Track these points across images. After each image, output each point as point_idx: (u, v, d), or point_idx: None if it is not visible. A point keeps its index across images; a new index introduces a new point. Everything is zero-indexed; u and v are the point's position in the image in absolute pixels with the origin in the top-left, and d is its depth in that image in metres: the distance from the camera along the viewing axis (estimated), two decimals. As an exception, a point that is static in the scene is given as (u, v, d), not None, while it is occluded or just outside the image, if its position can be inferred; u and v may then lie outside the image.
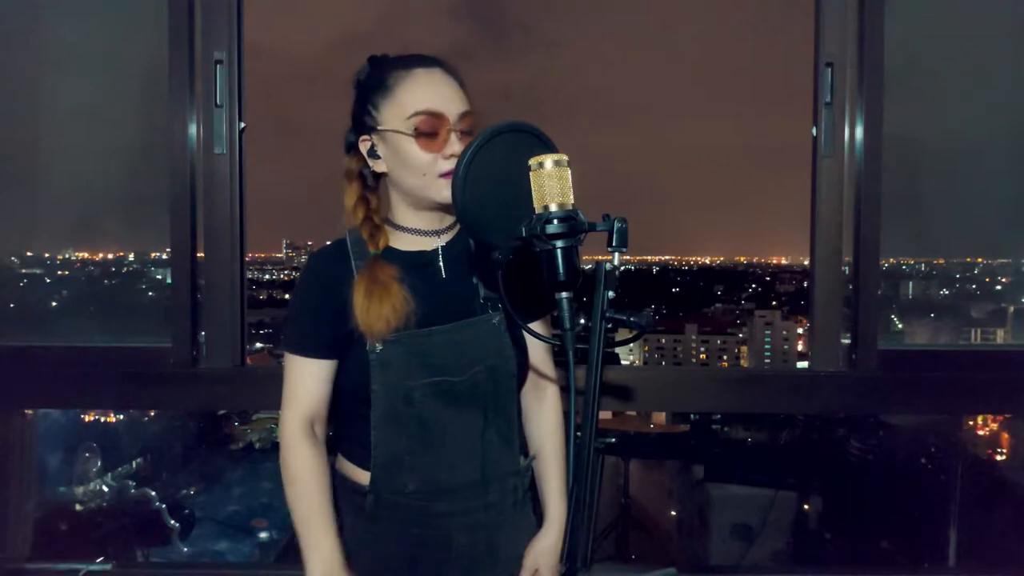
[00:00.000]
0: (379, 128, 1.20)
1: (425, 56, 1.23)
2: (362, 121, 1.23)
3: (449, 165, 1.16)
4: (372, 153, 1.23)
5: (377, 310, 1.15)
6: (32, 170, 2.17)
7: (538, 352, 1.36)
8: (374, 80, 1.21)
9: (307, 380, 1.22)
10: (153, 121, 1.98)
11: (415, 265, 1.23)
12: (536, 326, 1.34)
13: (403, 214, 1.25)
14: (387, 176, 1.24)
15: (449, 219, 1.27)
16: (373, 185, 1.28)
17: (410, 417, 1.20)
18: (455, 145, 1.16)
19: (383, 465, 1.22)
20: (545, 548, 1.31)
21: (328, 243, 1.27)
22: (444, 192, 1.15)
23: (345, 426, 1.29)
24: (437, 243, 1.26)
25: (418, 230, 1.25)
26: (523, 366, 1.31)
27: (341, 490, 1.26)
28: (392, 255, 1.23)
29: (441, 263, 1.25)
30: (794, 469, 3.79)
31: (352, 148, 1.26)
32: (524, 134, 1.03)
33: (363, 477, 1.24)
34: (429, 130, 1.16)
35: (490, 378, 1.23)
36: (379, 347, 1.18)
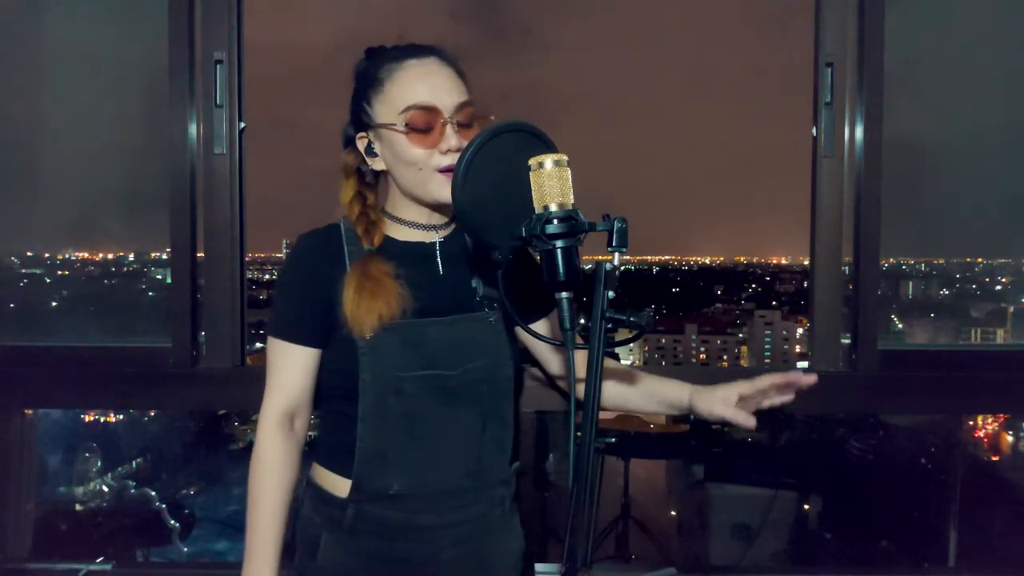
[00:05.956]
0: (374, 125, 1.18)
1: (420, 45, 1.19)
2: (359, 118, 1.21)
3: (447, 160, 1.14)
4: (369, 151, 1.21)
5: (368, 305, 1.12)
6: (32, 170, 2.17)
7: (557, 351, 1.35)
8: (368, 75, 1.19)
9: (290, 368, 1.18)
10: (153, 121, 1.97)
11: (413, 257, 1.20)
12: (541, 325, 1.33)
13: (403, 207, 1.23)
14: (386, 172, 1.22)
15: (448, 215, 1.25)
16: (371, 181, 1.26)
17: (399, 411, 1.15)
18: (451, 139, 1.14)
19: (367, 461, 1.15)
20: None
21: (320, 227, 1.23)
22: (444, 190, 1.13)
23: (326, 429, 1.23)
24: (435, 237, 1.24)
25: (417, 223, 1.23)
26: (520, 370, 1.29)
27: (317, 503, 1.21)
28: (390, 245, 1.21)
29: (439, 258, 1.23)
30: (794, 469, 3.78)
31: (350, 143, 1.24)
32: (524, 134, 1.02)
33: (342, 487, 1.18)
34: (422, 125, 1.14)
35: (485, 377, 1.20)
36: (369, 334, 1.13)
